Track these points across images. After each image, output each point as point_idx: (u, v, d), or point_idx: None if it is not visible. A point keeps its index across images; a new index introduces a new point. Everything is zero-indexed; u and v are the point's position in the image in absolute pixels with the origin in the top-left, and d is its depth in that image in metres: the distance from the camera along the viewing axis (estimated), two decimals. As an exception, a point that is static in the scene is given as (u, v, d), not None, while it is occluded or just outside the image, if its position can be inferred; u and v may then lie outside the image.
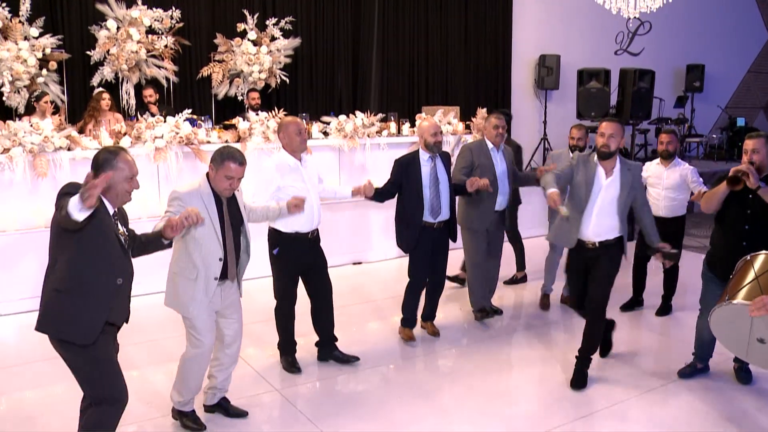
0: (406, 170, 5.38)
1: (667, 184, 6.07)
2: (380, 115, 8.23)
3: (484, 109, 9.33)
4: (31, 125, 6.46)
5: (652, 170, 6.18)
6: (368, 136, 7.99)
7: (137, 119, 7.33)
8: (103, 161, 3.13)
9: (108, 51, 8.52)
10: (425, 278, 5.57)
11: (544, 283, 6.49)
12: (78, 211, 2.79)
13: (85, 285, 3.11)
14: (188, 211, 3.50)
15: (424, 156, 5.39)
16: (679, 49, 14.34)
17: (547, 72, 12.31)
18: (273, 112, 7.54)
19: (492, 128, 5.83)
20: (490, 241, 5.97)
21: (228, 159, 3.76)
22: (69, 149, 6.61)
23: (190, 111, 7.25)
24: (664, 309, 6.30)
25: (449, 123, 8.79)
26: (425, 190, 5.33)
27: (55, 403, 4.39)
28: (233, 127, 7.55)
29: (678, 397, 4.59)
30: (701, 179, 6.10)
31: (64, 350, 3.15)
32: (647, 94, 11.75)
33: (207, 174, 3.87)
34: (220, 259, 3.87)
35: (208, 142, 7.19)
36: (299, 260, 4.85)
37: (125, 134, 7.03)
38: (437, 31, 11.47)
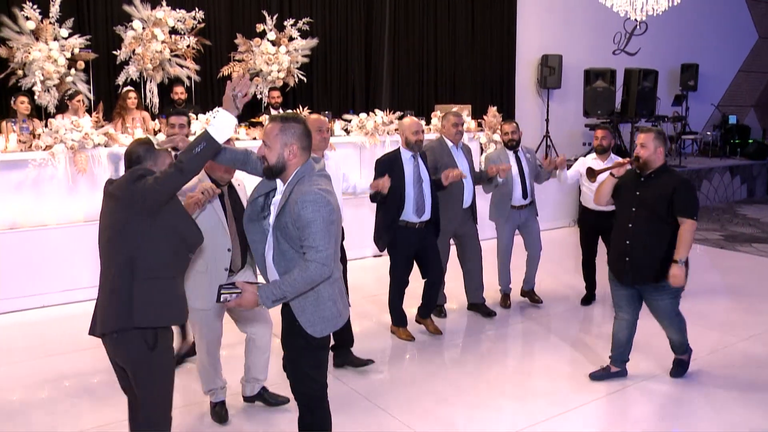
0: (390, 169, 5.24)
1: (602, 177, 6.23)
2: (398, 113, 8.53)
3: (495, 108, 9.68)
4: (72, 123, 6.72)
5: (589, 165, 6.07)
6: (387, 133, 8.31)
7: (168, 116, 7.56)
8: (144, 152, 3.17)
9: (133, 51, 8.76)
10: (406, 278, 5.53)
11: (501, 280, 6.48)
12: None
13: (170, 268, 3.13)
14: (203, 185, 3.64)
15: (406, 154, 5.35)
16: (674, 49, 14.75)
17: (550, 71, 12.67)
18: (298, 109, 7.83)
19: (451, 126, 5.81)
20: (463, 241, 6.02)
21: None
22: (106, 146, 6.86)
23: (218, 109, 7.48)
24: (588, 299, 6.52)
25: (463, 121, 9.08)
26: (409, 189, 5.28)
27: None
28: (260, 124, 7.83)
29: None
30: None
31: (140, 346, 3.00)
32: (650, 93, 12.13)
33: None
34: (229, 250, 3.87)
35: (237, 139, 7.46)
36: None
37: (159, 131, 7.29)
38: (445, 33, 11.81)
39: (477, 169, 6.14)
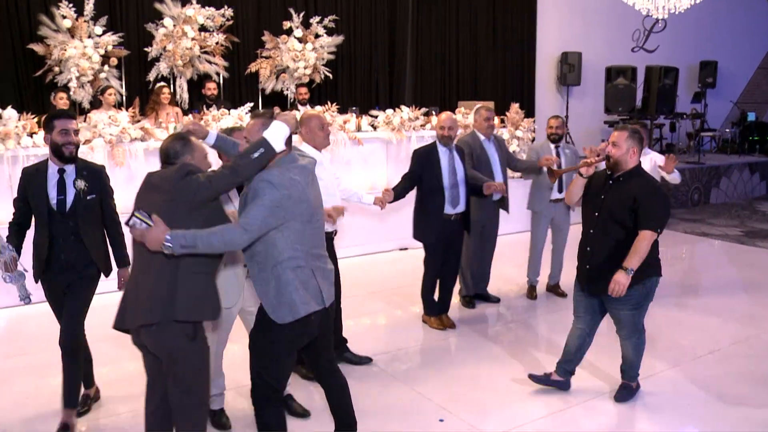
0: (426, 160, 5.42)
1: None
2: (423, 109, 8.68)
3: (517, 104, 9.80)
4: (109, 118, 6.92)
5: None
6: (413, 129, 8.47)
7: (201, 112, 7.77)
8: (182, 147, 3.24)
9: (164, 48, 8.97)
10: (440, 268, 5.64)
11: (530, 272, 6.61)
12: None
13: (213, 263, 3.20)
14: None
15: (441, 147, 5.48)
16: (693, 46, 14.79)
17: (569, 69, 12.78)
18: (326, 106, 8.00)
19: (483, 120, 6.03)
20: (484, 230, 6.17)
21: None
22: (143, 140, 7.05)
23: (252, 105, 7.70)
24: None
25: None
26: (444, 181, 5.40)
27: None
28: (302, 119, 7.98)
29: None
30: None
31: (181, 338, 3.06)
32: (671, 90, 12.21)
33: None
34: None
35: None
36: None
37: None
38: (467, 30, 11.97)
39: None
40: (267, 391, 3.25)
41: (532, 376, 4.56)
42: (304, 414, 4.18)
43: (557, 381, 4.51)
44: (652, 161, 6.27)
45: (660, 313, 6.13)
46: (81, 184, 3.91)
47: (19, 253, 3.87)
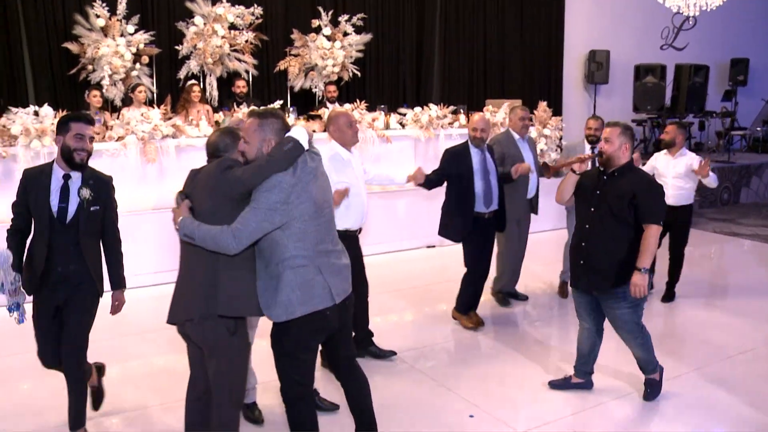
0: (456, 160, 5.42)
1: (674, 173, 6.21)
2: (451, 107, 8.70)
3: (545, 103, 9.77)
4: (142, 115, 7.02)
5: (660, 160, 6.35)
6: (442, 127, 8.48)
7: (232, 109, 7.85)
8: (232, 141, 3.30)
9: (195, 46, 9.08)
10: (484, 267, 5.67)
11: (563, 270, 6.57)
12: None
13: (254, 259, 3.20)
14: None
15: (473, 148, 5.46)
16: (723, 43, 14.61)
17: (597, 67, 12.70)
18: (355, 103, 8.04)
19: (518, 120, 6.10)
20: (521, 227, 6.20)
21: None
22: (174, 137, 7.14)
23: (281, 102, 7.77)
24: (668, 296, 6.41)
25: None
26: (477, 180, 5.39)
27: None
28: (319, 117, 8.06)
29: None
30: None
31: (222, 332, 3.11)
32: (701, 88, 12.09)
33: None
34: None
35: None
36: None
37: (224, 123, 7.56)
38: (494, 28, 11.95)
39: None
40: (293, 389, 3.25)
41: (552, 384, 4.54)
42: (331, 408, 4.18)
43: (578, 383, 4.49)
44: (686, 165, 6.19)
45: (689, 313, 6.15)
46: (86, 193, 3.62)
47: (22, 262, 3.65)
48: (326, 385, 4.33)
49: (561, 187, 4.37)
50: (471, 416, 4.19)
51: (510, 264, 6.20)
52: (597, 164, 4.24)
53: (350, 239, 4.43)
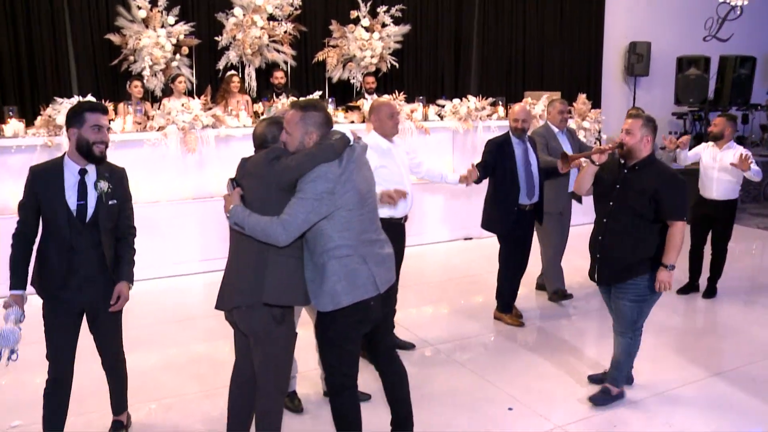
0: (499, 151, 5.37)
1: (720, 166, 6.09)
2: (490, 99, 8.63)
3: (584, 95, 9.64)
4: (182, 105, 7.09)
5: (707, 152, 6.22)
6: (480, 119, 8.43)
7: (271, 100, 7.89)
8: (280, 132, 3.25)
9: (234, 36, 9.14)
10: (520, 262, 5.61)
11: None
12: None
13: (300, 248, 3.20)
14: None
15: (515, 139, 5.43)
16: (761, 34, 14.23)
17: (638, 59, 12.47)
18: (393, 95, 8.02)
19: (557, 113, 6.03)
20: (563, 220, 6.11)
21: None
22: (214, 127, 7.19)
23: (319, 93, 7.78)
24: (710, 291, 6.32)
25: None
26: (520, 172, 5.36)
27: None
28: (357, 108, 8.06)
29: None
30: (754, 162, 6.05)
31: (268, 320, 3.12)
32: (747, 80, 11.80)
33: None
34: None
35: (336, 122, 7.71)
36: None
37: (262, 113, 7.61)
38: (534, 19, 11.80)
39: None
40: (337, 379, 3.26)
41: (591, 378, 4.52)
42: (363, 398, 4.06)
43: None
44: (735, 155, 6.00)
45: (730, 309, 6.06)
46: (104, 185, 3.38)
47: (27, 272, 3.40)
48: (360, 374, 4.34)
49: (579, 177, 4.31)
50: (510, 409, 4.18)
51: (552, 258, 6.12)
52: (617, 156, 4.11)
53: (395, 227, 4.46)
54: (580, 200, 6.19)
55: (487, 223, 5.57)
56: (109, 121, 6.70)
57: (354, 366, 3.28)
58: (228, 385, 3.48)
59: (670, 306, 5.96)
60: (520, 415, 4.11)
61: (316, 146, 3.05)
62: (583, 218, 6.61)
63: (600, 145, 6.14)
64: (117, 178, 3.48)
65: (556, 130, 6.05)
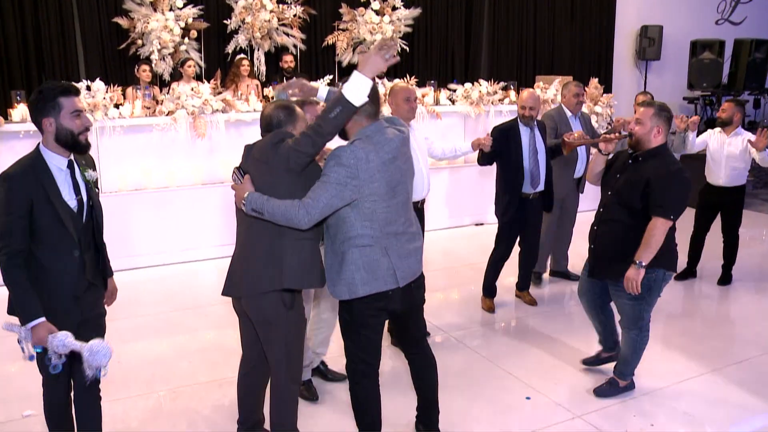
0: (505, 137, 5.25)
1: (728, 153, 5.97)
2: (502, 84, 8.53)
3: (596, 79, 9.53)
4: (192, 89, 7.01)
5: (714, 138, 6.10)
6: (492, 103, 8.33)
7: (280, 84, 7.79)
8: (286, 116, 3.16)
9: (243, 20, 9.04)
10: (509, 250, 5.53)
11: None
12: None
13: (318, 230, 3.14)
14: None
15: (522, 126, 5.30)
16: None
17: (649, 43, 12.32)
18: (405, 79, 7.93)
19: (572, 96, 5.89)
20: (565, 207, 6.04)
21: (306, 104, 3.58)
22: (224, 111, 7.11)
23: (330, 77, 7.69)
24: (725, 278, 6.21)
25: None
26: (525, 160, 5.26)
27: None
28: (390, 91, 7.96)
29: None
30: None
31: (278, 306, 3.08)
32: (762, 64, 11.65)
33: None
34: None
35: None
36: None
37: (272, 98, 7.52)
38: (545, 2, 11.67)
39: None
40: (357, 366, 3.23)
41: (585, 361, 4.49)
42: (311, 398, 4.06)
43: (609, 357, 4.38)
44: (741, 144, 5.93)
45: (744, 297, 5.99)
46: (93, 174, 3.03)
47: (34, 294, 2.80)
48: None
49: (589, 167, 4.23)
50: (528, 398, 4.12)
51: (547, 245, 6.05)
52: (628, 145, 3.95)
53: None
54: (581, 189, 6.12)
55: (496, 209, 5.51)
56: (117, 105, 6.76)
57: (374, 354, 3.24)
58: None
59: (680, 293, 5.93)
60: (539, 404, 4.06)
61: (315, 125, 2.91)
62: (585, 204, 6.49)
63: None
64: (91, 162, 3.09)
65: (569, 113, 5.93)
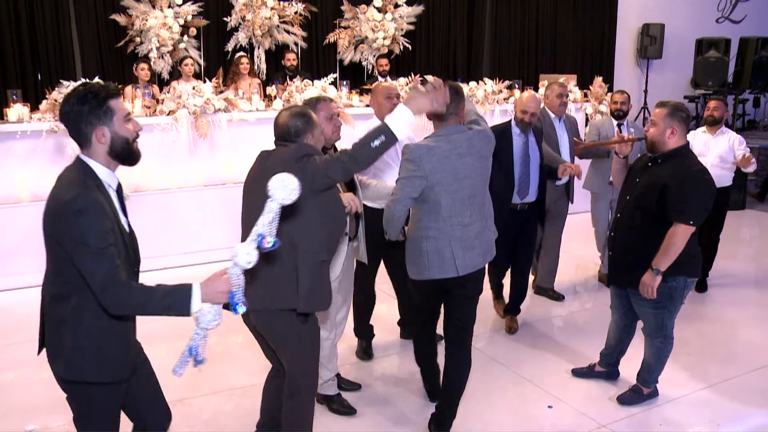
0: (497, 142, 4.73)
1: (716, 152, 5.79)
2: (507, 82, 8.41)
3: (600, 78, 9.43)
4: (194, 88, 6.85)
5: (698, 139, 5.84)
6: (497, 102, 8.20)
7: (285, 83, 7.64)
8: (304, 125, 2.99)
9: (243, 17, 8.89)
10: (506, 264, 5.10)
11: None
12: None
13: (331, 250, 3.07)
14: (345, 197, 3.29)
15: (516, 130, 4.80)
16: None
17: (651, 41, 12.26)
18: (410, 77, 7.78)
19: (555, 97, 5.37)
20: (551, 217, 5.54)
21: (321, 101, 3.48)
22: (226, 111, 6.94)
23: (334, 76, 7.54)
24: (701, 286, 5.96)
25: (570, 91, 8.89)
26: (516, 167, 4.75)
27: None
28: (372, 91, 7.81)
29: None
30: (748, 148, 5.82)
31: (290, 322, 2.92)
32: (768, 63, 11.58)
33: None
34: (346, 214, 3.38)
35: (351, 105, 7.50)
36: (382, 237, 4.01)
37: (276, 97, 7.38)
38: (547, 1, 11.57)
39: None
40: (416, 326, 3.90)
41: (575, 372, 4.36)
42: (348, 412, 3.92)
43: (600, 372, 4.29)
44: (728, 144, 5.76)
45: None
46: (126, 193, 2.68)
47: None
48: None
49: (612, 171, 4.17)
50: (550, 407, 3.99)
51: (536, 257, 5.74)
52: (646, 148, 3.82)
53: None
54: (571, 199, 5.67)
55: None
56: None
57: (427, 323, 3.78)
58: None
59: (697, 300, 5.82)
60: (562, 413, 3.93)
61: (350, 150, 2.80)
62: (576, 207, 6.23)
63: (620, 132, 5.78)
64: None
65: (552, 116, 5.40)
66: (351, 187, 3.66)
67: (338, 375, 4.07)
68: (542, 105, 5.38)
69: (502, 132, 4.73)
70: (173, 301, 2.32)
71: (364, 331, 4.64)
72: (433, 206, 3.30)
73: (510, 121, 4.89)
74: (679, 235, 3.53)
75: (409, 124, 2.85)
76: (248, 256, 2.24)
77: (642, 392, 4.03)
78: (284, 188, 2.24)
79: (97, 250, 2.21)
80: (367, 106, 7.63)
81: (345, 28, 9.63)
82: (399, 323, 4.92)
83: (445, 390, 3.63)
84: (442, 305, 3.63)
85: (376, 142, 2.77)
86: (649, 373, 4.01)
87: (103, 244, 2.22)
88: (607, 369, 4.27)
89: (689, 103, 12.40)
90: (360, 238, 3.85)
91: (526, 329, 5.21)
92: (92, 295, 2.27)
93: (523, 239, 4.98)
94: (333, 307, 3.61)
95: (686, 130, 3.70)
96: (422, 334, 3.86)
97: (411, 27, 9.91)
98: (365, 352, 4.62)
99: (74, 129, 2.36)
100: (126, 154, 2.43)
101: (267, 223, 2.22)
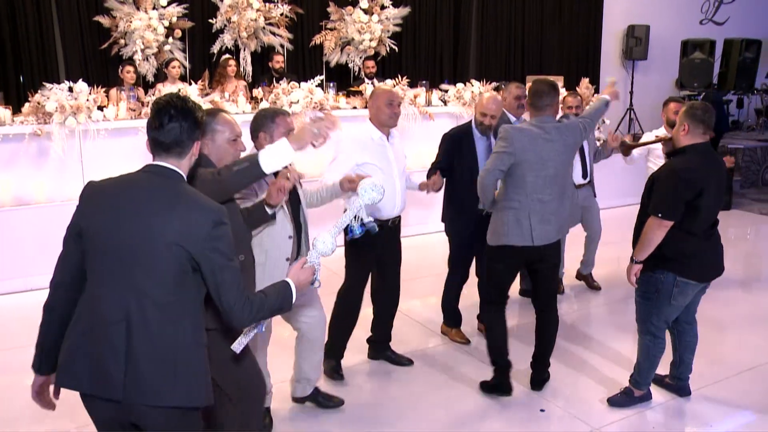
0: (458, 146, 4.62)
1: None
2: (494, 84, 8.38)
3: (587, 79, 9.42)
4: (179, 91, 6.77)
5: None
6: (485, 104, 8.17)
7: (271, 85, 7.58)
8: (261, 119, 3.19)
9: (229, 19, 8.81)
10: (467, 271, 4.94)
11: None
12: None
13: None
14: (286, 170, 2.97)
15: (477, 133, 4.64)
16: (766, 17, 14.11)
17: (636, 42, 12.29)
18: (397, 79, 7.74)
19: (513, 99, 5.00)
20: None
21: (279, 115, 3.35)
22: (212, 113, 6.86)
23: (321, 78, 7.50)
24: None
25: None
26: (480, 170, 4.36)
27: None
28: (360, 93, 7.79)
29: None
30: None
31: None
32: (752, 64, 11.66)
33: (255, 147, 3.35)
34: (290, 237, 3.37)
35: (338, 108, 7.45)
36: (372, 251, 4.15)
37: (262, 99, 7.32)
38: (533, 2, 11.58)
39: None
40: (489, 293, 4.16)
41: (610, 401, 4.06)
42: (336, 405, 3.93)
43: (668, 385, 4.17)
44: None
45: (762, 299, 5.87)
46: None
47: None
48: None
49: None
50: (542, 410, 3.96)
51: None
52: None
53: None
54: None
55: (446, 227, 4.86)
56: (101, 108, 6.48)
57: (499, 291, 4.09)
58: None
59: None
60: (555, 417, 3.91)
61: (217, 170, 2.69)
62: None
63: (622, 136, 5.77)
64: None
65: (513, 118, 5.01)
66: (295, 201, 3.46)
67: (317, 389, 3.94)
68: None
69: (462, 137, 4.66)
70: (278, 303, 2.41)
71: (338, 351, 4.31)
72: (518, 181, 3.74)
73: (469, 123, 4.74)
74: (650, 226, 3.64)
75: (285, 161, 2.68)
76: (326, 245, 2.52)
77: (633, 394, 4.00)
78: (375, 188, 2.66)
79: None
80: (354, 108, 7.61)
81: (331, 29, 9.57)
82: (368, 341, 4.62)
83: (537, 346, 4.17)
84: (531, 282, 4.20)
85: (238, 168, 2.65)
86: (639, 374, 3.97)
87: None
88: (674, 383, 4.15)
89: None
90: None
91: (514, 332, 5.17)
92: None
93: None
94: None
95: (701, 128, 3.66)
96: (492, 309, 4.13)
97: (397, 29, 9.86)
98: (335, 371, 4.28)
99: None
100: None
101: (350, 217, 2.63)
